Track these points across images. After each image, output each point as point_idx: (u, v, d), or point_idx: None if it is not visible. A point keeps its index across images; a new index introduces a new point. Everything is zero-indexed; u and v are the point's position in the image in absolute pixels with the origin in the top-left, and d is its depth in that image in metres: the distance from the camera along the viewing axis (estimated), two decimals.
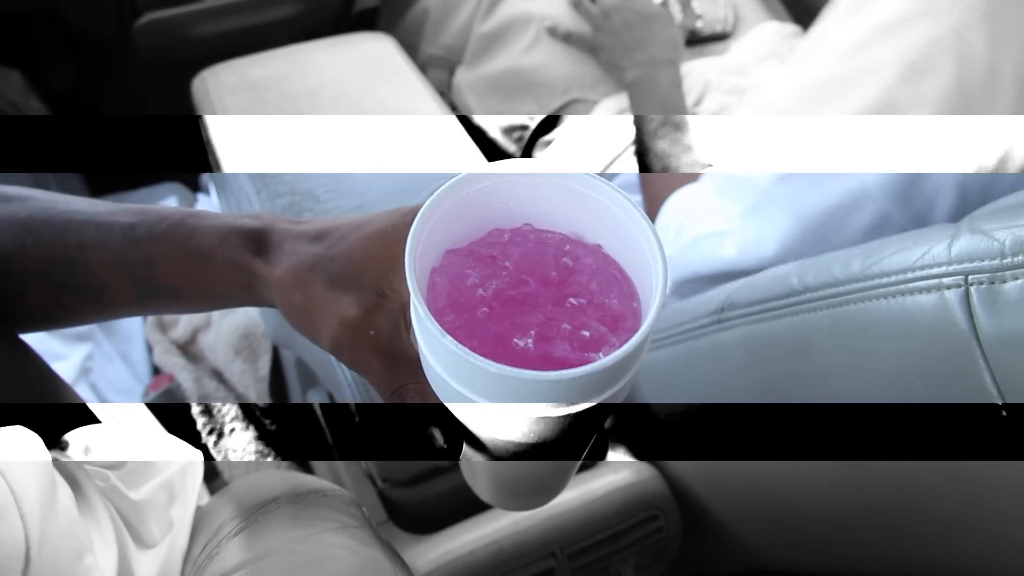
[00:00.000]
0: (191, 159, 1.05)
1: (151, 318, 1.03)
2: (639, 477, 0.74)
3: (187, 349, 0.99)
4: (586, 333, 0.34)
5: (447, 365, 0.34)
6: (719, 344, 0.68)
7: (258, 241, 0.46)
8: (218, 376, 0.97)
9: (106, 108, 1.40)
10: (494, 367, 0.31)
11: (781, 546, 0.77)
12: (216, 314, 0.99)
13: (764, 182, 0.72)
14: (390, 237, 0.43)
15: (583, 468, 0.75)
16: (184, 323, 1.00)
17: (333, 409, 0.79)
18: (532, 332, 0.34)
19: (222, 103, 1.00)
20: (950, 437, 0.53)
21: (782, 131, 0.76)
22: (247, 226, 0.47)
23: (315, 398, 0.82)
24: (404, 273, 0.34)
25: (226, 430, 0.87)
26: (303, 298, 0.44)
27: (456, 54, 1.21)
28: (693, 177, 0.85)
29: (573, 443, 0.41)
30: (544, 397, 0.32)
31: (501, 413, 0.34)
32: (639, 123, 0.96)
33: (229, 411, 0.90)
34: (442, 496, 0.72)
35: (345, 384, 0.72)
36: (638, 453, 0.77)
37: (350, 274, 0.43)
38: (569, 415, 0.34)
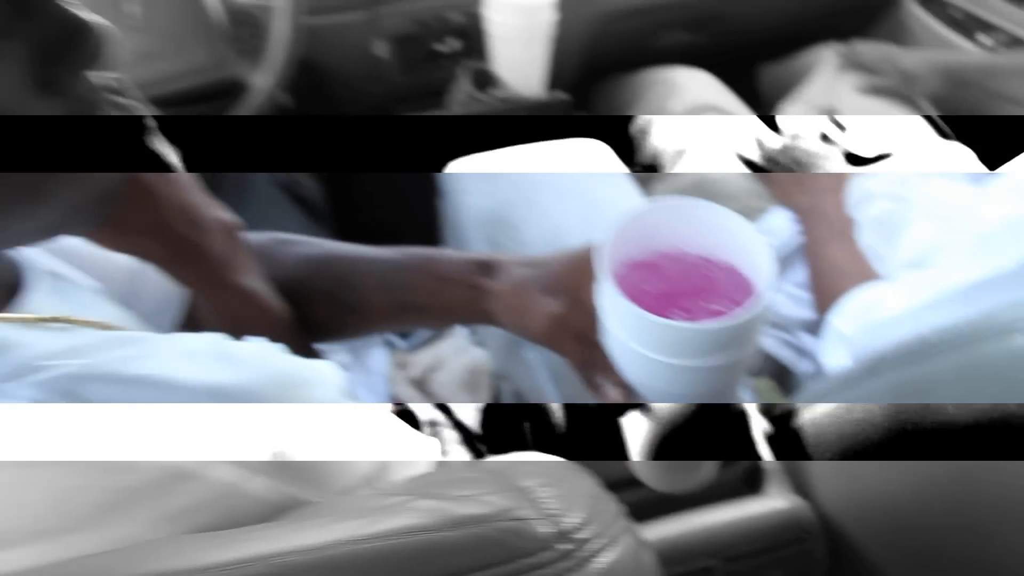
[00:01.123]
0: None
1: (395, 359, 1.26)
2: (791, 504, 0.85)
3: (420, 385, 1.20)
4: (717, 307, 0.49)
5: (623, 322, 0.50)
6: (869, 392, 0.79)
7: (486, 268, 0.66)
8: (443, 407, 1.17)
9: None
10: (654, 318, 0.47)
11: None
12: (450, 355, 1.21)
13: (952, 287, 0.82)
14: (582, 263, 0.60)
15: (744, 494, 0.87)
16: (420, 364, 1.22)
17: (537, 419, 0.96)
18: (682, 312, 0.50)
19: None
20: None
21: None
22: (479, 258, 0.67)
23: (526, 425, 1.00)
24: (593, 285, 0.51)
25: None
26: (520, 301, 0.62)
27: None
28: (869, 275, 0.99)
29: (718, 413, 0.56)
30: (692, 345, 0.48)
31: (661, 363, 0.49)
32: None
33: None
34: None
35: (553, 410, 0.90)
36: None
37: (555, 286, 0.61)
38: (710, 370, 0.49)
